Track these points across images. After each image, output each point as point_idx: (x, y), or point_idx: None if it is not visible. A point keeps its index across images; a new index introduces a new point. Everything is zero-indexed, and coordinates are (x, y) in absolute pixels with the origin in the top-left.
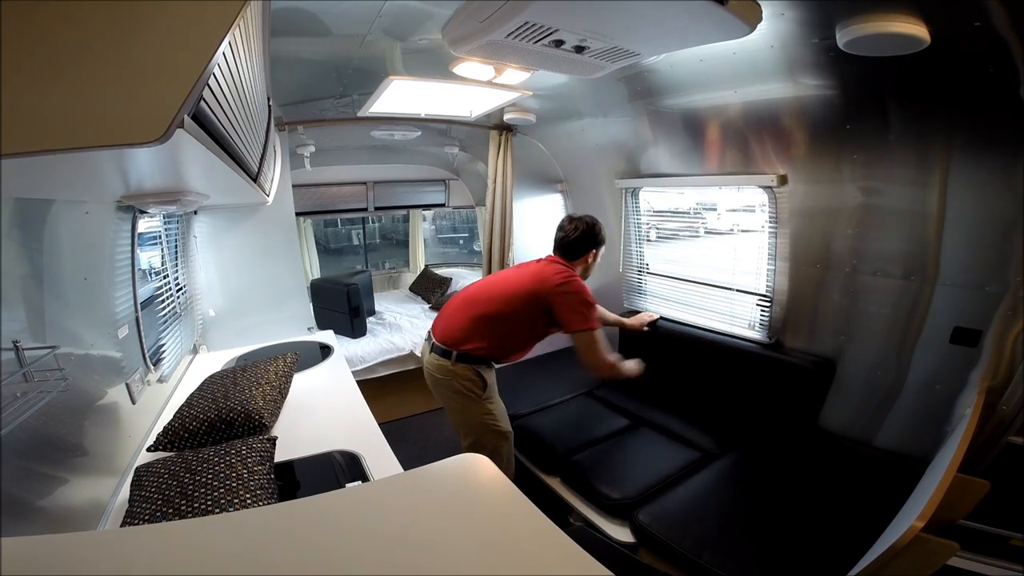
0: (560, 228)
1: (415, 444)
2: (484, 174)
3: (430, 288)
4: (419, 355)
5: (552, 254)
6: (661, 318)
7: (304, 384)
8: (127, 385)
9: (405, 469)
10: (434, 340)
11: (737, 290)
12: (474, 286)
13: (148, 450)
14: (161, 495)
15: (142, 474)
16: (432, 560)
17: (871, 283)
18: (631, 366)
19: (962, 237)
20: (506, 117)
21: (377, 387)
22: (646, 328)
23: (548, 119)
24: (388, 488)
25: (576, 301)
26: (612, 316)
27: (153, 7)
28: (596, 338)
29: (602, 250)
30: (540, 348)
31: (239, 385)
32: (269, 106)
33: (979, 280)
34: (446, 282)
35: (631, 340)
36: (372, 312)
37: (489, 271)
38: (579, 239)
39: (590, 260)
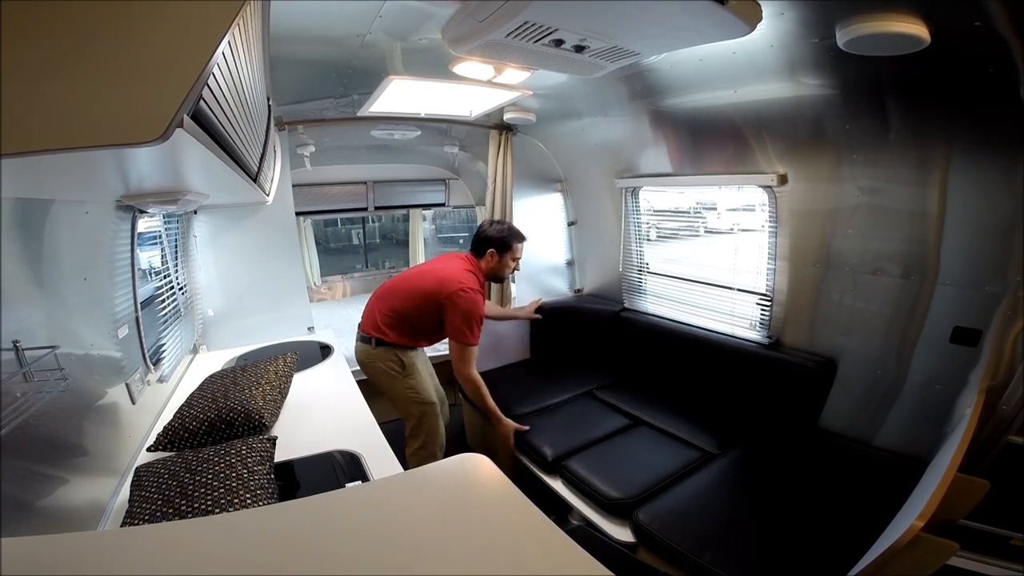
0: (480, 225)
1: None
2: (484, 174)
3: None
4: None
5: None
6: (541, 307)
7: (304, 384)
8: (127, 385)
9: (405, 469)
10: (359, 331)
11: (737, 289)
12: (394, 279)
13: (148, 450)
14: (161, 495)
15: (142, 474)
16: (432, 560)
17: (871, 283)
18: (507, 422)
19: (962, 237)
20: (506, 117)
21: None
22: (537, 314)
23: (548, 119)
24: (388, 488)
25: (462, 315)
26: (505, 311)
27: (153, 7)
28: (469, 353)
29: (508, 255)
30: None
31: (239, 385)
32: (269, 106)
33: (979, 280)
34: None
35: (631, 340)
36: None
37: None
38: (485, 239)
39: (491, 259)
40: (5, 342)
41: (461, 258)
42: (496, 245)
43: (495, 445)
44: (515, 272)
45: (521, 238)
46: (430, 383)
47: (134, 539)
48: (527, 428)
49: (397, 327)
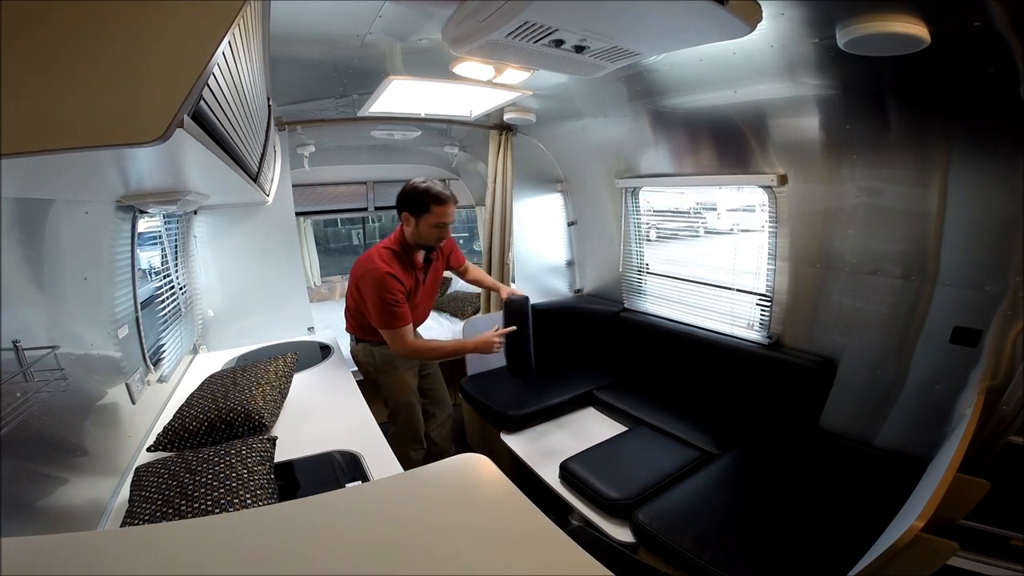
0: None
1: None
2: (484, 174)
3: None
4: None
5: None
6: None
7: (304, 384)
8: (127, 385)
9: (405, 469)
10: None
11: (737, 290)
12: None
13: (148, 450)
14: (161, 495)
15: (142, 474)
16: (432, 560)
17: (871, 283)
18: (479, 338)
19: (962, 237)
20: (506, 117)
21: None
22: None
23: (548, 119)
24: (388, 488)
25: (373, 300)
26: (491, 282)
27: (153, 7)
28: (400, 335)
29: (423, 221)
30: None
31: (239, 385)
32: (269, 106)
33: (979, 280)
34: (445, 281)
35: (631, 340)
36: None
37: (489, 271)
38: (399, 199)
39: (408, 224)
40: (5, 342)
41: (392, 234)
42: (408, 207)
43: (495, 445)
44: (513, 265)
45: (442, 200)
46: (410, 383)
47: (134, 539)
48: (507, 331)
49: (354, 324)
